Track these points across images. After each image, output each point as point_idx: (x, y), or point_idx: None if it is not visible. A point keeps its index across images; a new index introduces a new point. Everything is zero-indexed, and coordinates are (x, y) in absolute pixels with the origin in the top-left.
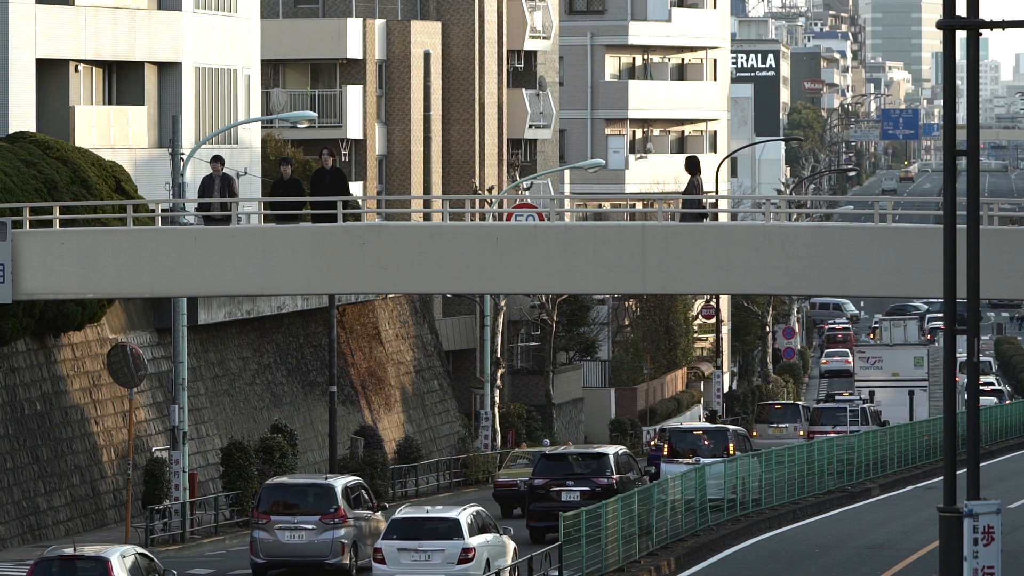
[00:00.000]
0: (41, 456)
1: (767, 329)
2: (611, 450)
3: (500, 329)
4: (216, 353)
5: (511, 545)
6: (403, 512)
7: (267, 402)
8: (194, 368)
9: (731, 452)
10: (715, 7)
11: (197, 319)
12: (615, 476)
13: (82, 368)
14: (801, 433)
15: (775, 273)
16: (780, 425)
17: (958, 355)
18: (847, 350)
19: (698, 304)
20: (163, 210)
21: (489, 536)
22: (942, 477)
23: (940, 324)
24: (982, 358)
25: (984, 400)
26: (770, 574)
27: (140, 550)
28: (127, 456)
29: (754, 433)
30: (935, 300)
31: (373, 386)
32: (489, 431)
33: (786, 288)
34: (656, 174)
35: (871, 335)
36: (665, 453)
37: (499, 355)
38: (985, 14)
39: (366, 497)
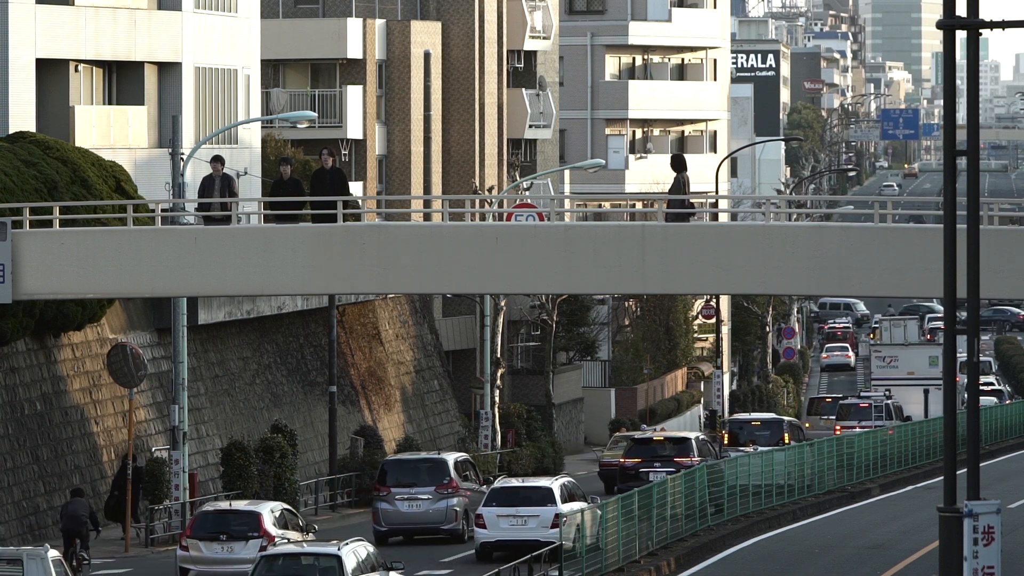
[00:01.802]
0: (41, 456)
1: (767, 329)
2: (692, 435)
3: (500, 329)
4: (216, 353)
5: (598, 513)
6: (501, 482)
7: (267, 402)
8: (194, 368)
9: (786, 441)
10: (715, 7)
11: (197, 319)
12: (696, 458)
13: (82, 368)
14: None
15: (775, 273)
16: (831, 417)
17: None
18: (847, 345)
19: (698, 304)
20: (163, 210)
21: (577, 504)
22: (942, 477)
23: (940, 324)
24: (982, 358)
25: (984, 400)
26: (770, 574)
27: (286, 506)
28: (127, 456)
29: (806, 424)
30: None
31: (373, 386)
32: (489, 431)
33: (786, 288)
34: (656, 174)
35: (871, 335)
36: (726, 442)
37: (499, 355)
38: (985, 14)
39: (473, 472)
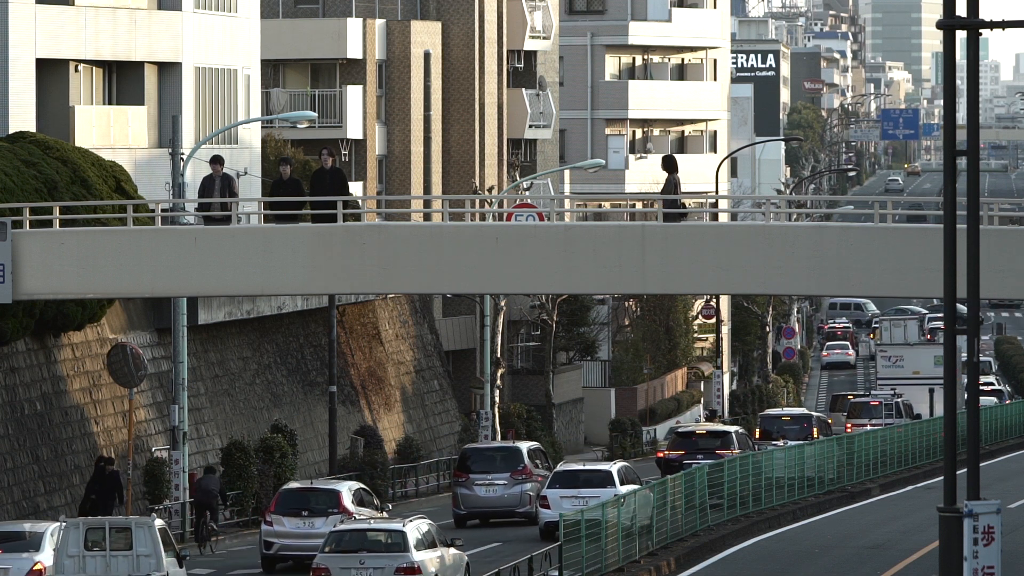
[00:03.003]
0: (41, 456)
1: (767, 329)
2: (732, 429)
3: (500, 329)
4: (216, 353)
5: (652, 496)
6: (564, 466)
7: (267, 402)
8: (194, 368)
9: (815, 436)
10: (715, 7)
11: (197, 319)
12: (736, 450)
13: (82, 368)
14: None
15: (775, 273)
16: None
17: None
18: (847, 343)
19: (698, 304)
20: (163, 210)
21: (634, 487)
22: (942, 477)
23: (940, 324)
24: (982, 358)
25: (984, 400)
26: (770, 574)
27: (362, 485)
28: (127, 456)
29: (829, 420)
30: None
31: (373, 386)
32: (489, 431)
33: (786, 288)
34: (656, 174)
35: (871, 335)
36: (757, 436)
37: (499, 355)
38: (985, 14)
39: (543, 460)
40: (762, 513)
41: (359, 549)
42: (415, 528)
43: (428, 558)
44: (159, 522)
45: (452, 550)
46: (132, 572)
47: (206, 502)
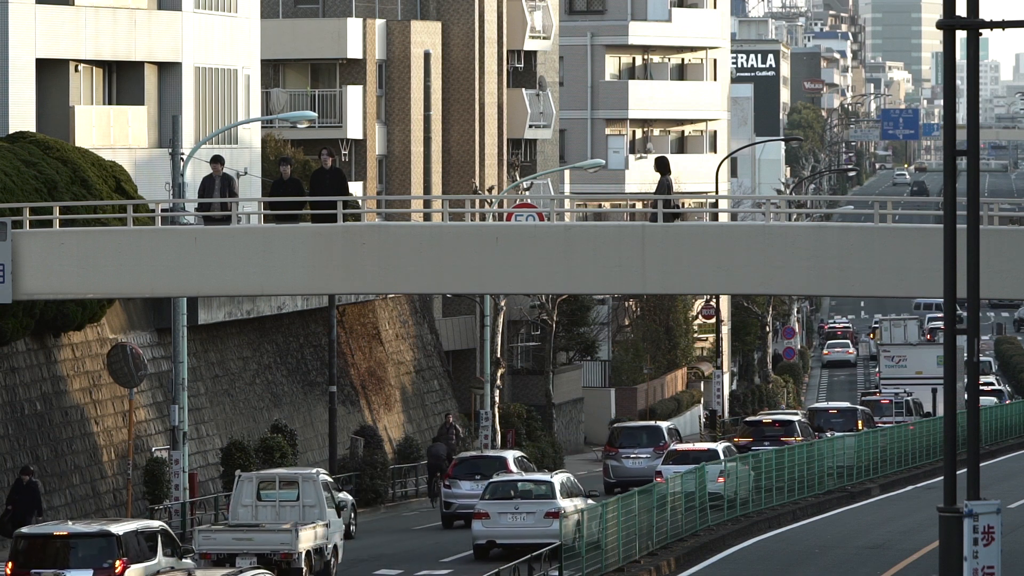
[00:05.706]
0: (41, 456)
1: (767, 329)
2: (795, 418)
3: (500, 329)
4: (216, 353)
5: (752, 473)
6: (676, 446)
7: (267, 402)
8: (194, 368)
9: (859, 427)
10: (715, 7)
11: (197, 319)
12: (800, 437)
13: (82, 368)
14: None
15: (775, 273)
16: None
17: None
18: (848, 341)
19: (698, 304)
20: (163, 210)
21: (733, 464)
22: (942, 477)
23: (940, 324)
24: (982, 358)
25: (984, 400)
26: (770, 574)
27: (523, 454)
28: (127, 456)
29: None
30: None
31: (373, 386)
32: (489, 431)
33: (786, 288)
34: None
35: (871, 335)
36: None
37: (499, 355)
38: (985, 14)
39: (678, 437)
40: (762, 513)
41: (513, 496)
42: (560, 480)
43: (571, 504)
44: (323, 476)
45: (589, 500)
46: (298, 520)
47: (436, 465)
